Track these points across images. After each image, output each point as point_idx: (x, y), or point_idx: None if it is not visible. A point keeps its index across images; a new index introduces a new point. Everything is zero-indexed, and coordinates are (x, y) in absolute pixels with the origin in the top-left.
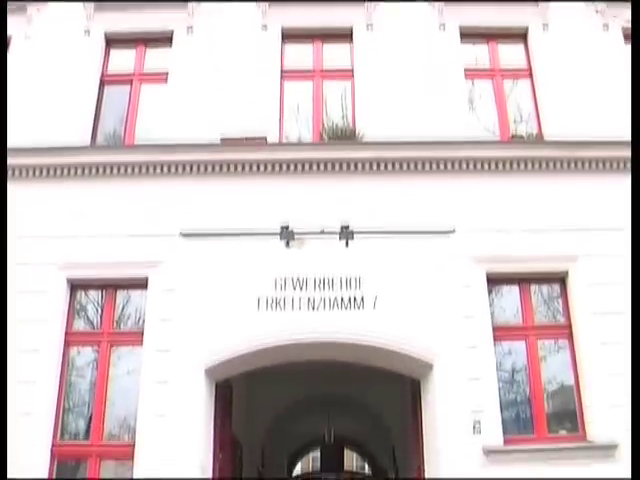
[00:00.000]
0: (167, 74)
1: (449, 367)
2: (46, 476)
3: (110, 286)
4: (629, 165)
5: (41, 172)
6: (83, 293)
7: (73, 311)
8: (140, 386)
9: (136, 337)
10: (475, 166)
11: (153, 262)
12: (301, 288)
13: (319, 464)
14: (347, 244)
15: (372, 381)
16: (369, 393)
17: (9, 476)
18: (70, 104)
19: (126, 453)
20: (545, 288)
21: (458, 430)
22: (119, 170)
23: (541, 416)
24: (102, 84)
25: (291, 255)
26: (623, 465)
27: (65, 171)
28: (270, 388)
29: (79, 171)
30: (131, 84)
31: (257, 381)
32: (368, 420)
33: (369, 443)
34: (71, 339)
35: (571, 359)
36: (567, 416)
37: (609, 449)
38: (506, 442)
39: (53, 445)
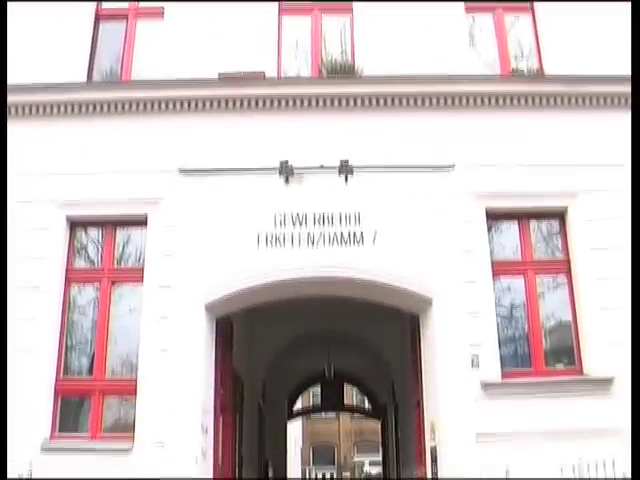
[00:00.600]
0: (163, 9)
1: (448, 302)
2: (51, 411)
3: (110, 223)
4: (630, 101)
5: (38, 110)
6: (83, 231)
7: (73, 249)
8: (141, 323)
9: (137, 274)
10: (475, 101)
11: (152, 199)
12: (300, 224)
13: (319, 400)
14: (346, 180)
15: (371, 317)
16: (368, 329)
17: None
18: (65, 41)
19: (129, 389)
20: (544, 224)
21: (457, 364)
22: (117, 107)
23: (539, 351)
24: (97, 20)
25: (290, 191)
26: (619, 399)
27: (62, 109)
28: (270, 324)
29: (76, 109)
30: (127, 20)
31: (257, 317)
32: (367, 356)
33: (369, 379)
34: (72, 276)
35: (569, 295)
36: (564, 352)
37: (605, 383)
38: (504, 376)
39: (56, 381)
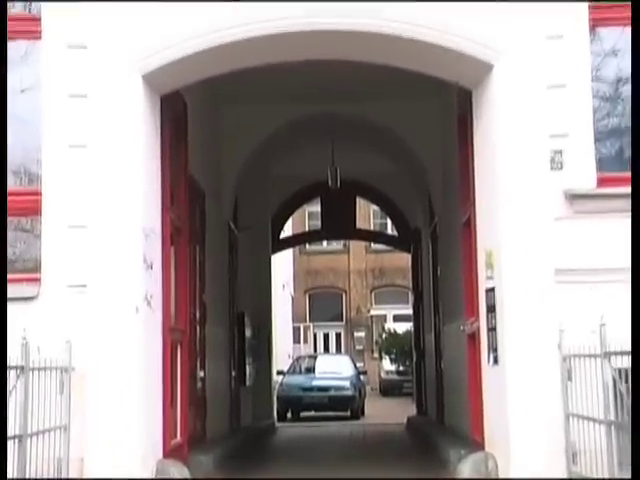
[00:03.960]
0: None
1: (518, 68)
2: None
3: None
4: None
5: None
6: None
7: None
8: (43, 105)
9: (30, 27)
10: None
11: None
12: None
13: (319, 222)
14: None
15: (397, 95)
16: (392, 114)
17: None
18: None
19: (27, 207)
20: None
21: (528, 164)
22: None
23: None
24: None
25: None
26: None
27: None
28: (245, 107)
29: None
30: None
31: (225, 95)
32: (392, 155)
33: (393, 190)
34: None
35: None
36: None
37: None
38: (600, 183)
39: None
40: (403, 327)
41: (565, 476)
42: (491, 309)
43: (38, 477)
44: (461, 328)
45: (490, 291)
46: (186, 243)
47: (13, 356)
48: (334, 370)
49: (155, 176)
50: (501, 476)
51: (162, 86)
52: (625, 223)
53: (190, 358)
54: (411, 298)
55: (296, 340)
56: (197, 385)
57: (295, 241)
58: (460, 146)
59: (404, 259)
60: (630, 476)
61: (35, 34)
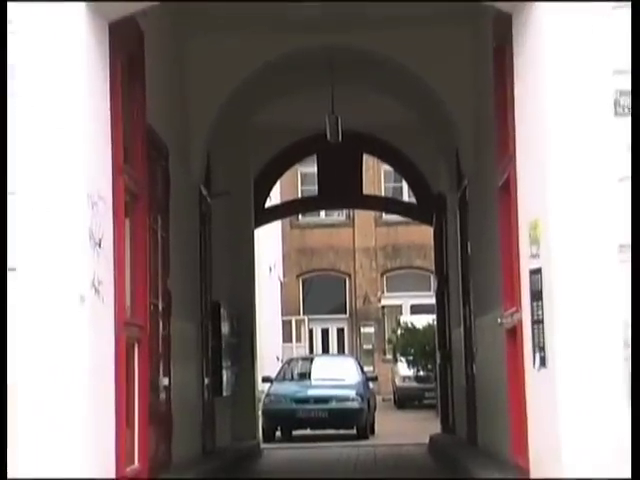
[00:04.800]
0: None
1: None
2: None
3: None
4: None
5: None
6: None
7: None
8: None
9: None
10: None
11: None
12: None
13: (315, 186)
14: None
15: (416, 23)
16: (409, 46)
17: None
18: None
19: None
20: None
21: (585, 107)
22: None
23: None
24: None
25: None
26: None
27: None
28: (220, 39)
29: None
30: None
31: (195, 26)
32: (407, 99)
33: (409, 143)
34: None
35: None
36: None
37: None
38: None
39: None
40: (423, 320)
41: None
42: (537, 296)
43: None
44: (498, 321)
45: (535, 273)
46: (145, 214)
47: None
48: (335, 376)
49: (103, 127)
50: None
51: (110, 10)
52: None
53: (151, 361)
54: (434, 283)
55: (287, 338)
56: (160, 396)
57: (285, 211)
58: (496, 87)
59: (424, 233)
60: None
61: None
